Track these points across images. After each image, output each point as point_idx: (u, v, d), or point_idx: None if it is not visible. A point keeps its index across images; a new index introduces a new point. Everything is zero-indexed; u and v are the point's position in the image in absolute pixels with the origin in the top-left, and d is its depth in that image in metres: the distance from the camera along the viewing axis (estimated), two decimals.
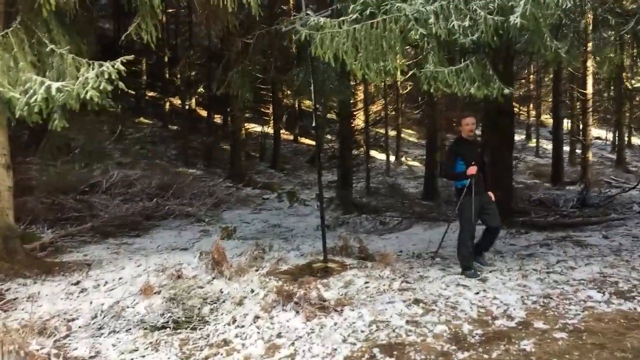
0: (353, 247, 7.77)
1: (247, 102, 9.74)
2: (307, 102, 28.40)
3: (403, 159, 22.78)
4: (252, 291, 6.09)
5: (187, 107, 21.96)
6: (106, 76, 4.49)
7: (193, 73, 22.94)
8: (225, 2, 5.99)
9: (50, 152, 11.00)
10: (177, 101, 22.09)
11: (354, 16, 5.87)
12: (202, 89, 23.53)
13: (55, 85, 4.23)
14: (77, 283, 6.82)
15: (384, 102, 21.00)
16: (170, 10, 20.02)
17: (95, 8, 12.00)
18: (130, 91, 23.62)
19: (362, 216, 11.98)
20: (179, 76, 21.47)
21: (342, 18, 5.87)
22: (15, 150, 12.53)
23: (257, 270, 6.74)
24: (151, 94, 24.17)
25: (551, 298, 5.40)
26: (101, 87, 4.44)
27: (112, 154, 17.31)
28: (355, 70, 5.58)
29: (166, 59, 22.01)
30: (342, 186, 13.23)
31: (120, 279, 6.92)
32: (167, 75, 22.45)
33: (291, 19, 6.03)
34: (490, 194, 6.58)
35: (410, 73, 19.55)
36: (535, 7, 5.38)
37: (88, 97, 4.43)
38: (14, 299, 6.34)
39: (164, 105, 21.86)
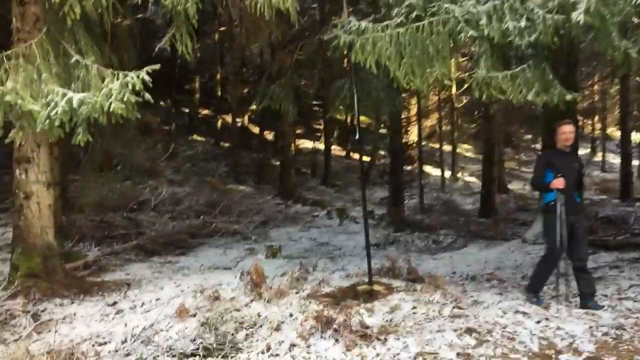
0: (401, 267, 7.26)
1: (292, 117, 9.39)
2: (362, 118, 28.04)
3: (459, 174, 22.01)
4: (291, 315, 5.69)
5: (239, 124, 21.97)
6: (130, 87, 4.23)
7: (245, 90, 22.95)
8: (263, 11, 5.67)
9: (92, 169, 10.96)
10: (230, 118, 22.13)
11: (399, 20, 5.45)
12: (254, 106, 23.46)
13: (77, 97, 4.00)
14: (114, 304, 6.61)
15: (438, 116, 20.36)
16: (222, 29, 20.12)
17: (135, 21, 11.86)
18: (184, 109, 23.99)
19: (414, 234, 11.43)
20: (231, 94, 21.53)
21: (385, 22, 5.46)
22: (68, 168, 12.73)
23: (297, 293, 6.34)
24: (205, 111, 24.37)
25: (624, 329, 4.76)
26: (125, 99, 4.16)
27: (164, 172, 17.36)
28: (399, 78, 5.15)
29: (218, 77, 22.13)
30: (393, 203, 12.71)
31: (157, 299, 6.67)
32: (219, 93, 22.55)
33: (333, 26, 5.63)
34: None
35: (466, 86, 18.85)
36: (600, 2, 4.82)
37: (112, 109, 4.16)
38: (49, 320, 6.17)
39: (216, 122, 21.94)
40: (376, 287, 6.33)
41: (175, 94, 22.68)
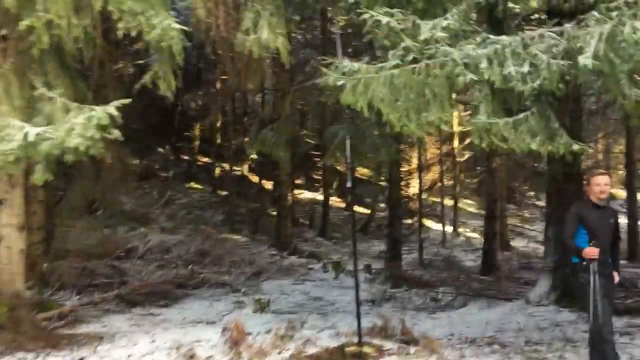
0: (395, 327, 6.73)
1: (286, 164, 8.99)
2: (363, 170, 27.77)
3: (460, 229, 21.50)
4: None
5: (238, 172, 21.67)
6: (95, 122, 3.87)
7: (245, 139, 22.69)
8: (254, 51, 5.38)
9: (72, 212, 10.55)
10: (228, 167, 21.84)
11: (394, 62, 5.13)
12: (254, 155, 23.25)
13: (34, 131, 3.64)
14: None
15: (439, 169, 20.04)
16: (224, 77, 20.06)
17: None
18: (183, 156, 23.73)
19: (412, 291, 10.88)
20: (232, 142, 21.30)
21: (379, 65, 5.15)
22: (53, 212, 12.32)
23: (280, 353, 5.82)
24: (204, 159, 24.11)
25: None
26: (89, 134, 3.79)
27: (158, 219, 16.94)
28: (393, 122, 4.78)
29: (219, 124, 21.95)
30: (391, 257, 12.20)
31: (129, 356, 6.15)
32: (219, 141, 22.33)
33: (324, 66, 5.31)
34: (616, 275, 5.04)
35: (468, 141, 18.62)
36: (609, 47, 4.51)
37: (72, 145, 3.78)
38: None
39: (214, 170, 21.63)
40: (366, 349, 5.82)
41: (174, 140, 22.46)
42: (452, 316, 8.46)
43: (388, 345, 6.04)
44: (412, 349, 5.87)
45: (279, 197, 16.37)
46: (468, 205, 24.97)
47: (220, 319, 8.53)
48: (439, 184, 19.83)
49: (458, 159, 20.71)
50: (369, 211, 21.58)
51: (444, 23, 5.29)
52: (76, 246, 11.76)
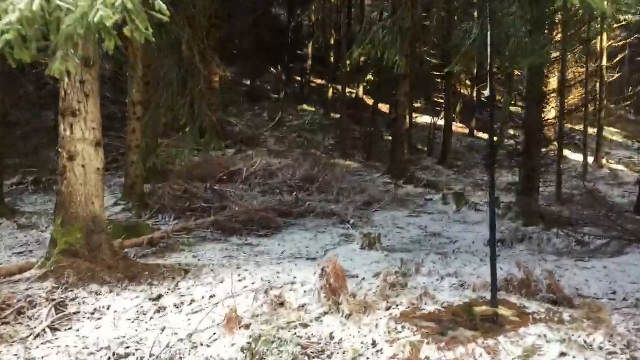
0: (539, 281, 5.20)
1: (401, 69, 7.46)
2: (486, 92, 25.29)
3: (604, 161, 18.83)
4: (374, 345, 3.99)
5: (352, 95, 20.30)
6: None
7: (361, 59, 21.07)
8: None
9: (153, 128, 9.77)
10: (343, 88, 20.51)
11: None
12: (370, 76, 21.71)
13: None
14: (158, 298, 5.22)
15: (583, 91, 17.35)
16: None
17: None
18: (295, 77, 22.69)
19: (549, 231, 9.15)
20: (347, 62, 19.80)
21: None
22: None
23: (388, 309, 4.56)
24: (317, 80, 22.95)
25: None
26: (118, 2, 2.60)
27: (266, 141, 16.14)
28: None
29: (332, 42, 20.51)
30: (524, 190, 10.41)
31: (211, 297, 5.21)
32: (332, 60, 20.97)
33: None
34: None
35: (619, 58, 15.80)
36: None
37: (97, 19, 2.61)
38: (75, 314, 4.90)
39: (327, 92, 20.43)
40: (502, 311, 4.41)
41: (287, 60, 21.38)
42: (608, 266, 6.73)
43: (532, 307, 4.57)
44: (566, 314, 4.37)
45: (395, 120, 14.84)
46: (612, 133, 21.96)
47: (323, 255, 7.48)
48: (582, 108, 17.21)
49: (606, 79, 17.81)
50: (496, 138, 19.46)
51: None
52: (177, 167, 11.16)
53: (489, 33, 4.28)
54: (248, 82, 20.84)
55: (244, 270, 6.14)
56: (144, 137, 9.99)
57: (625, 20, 19.03)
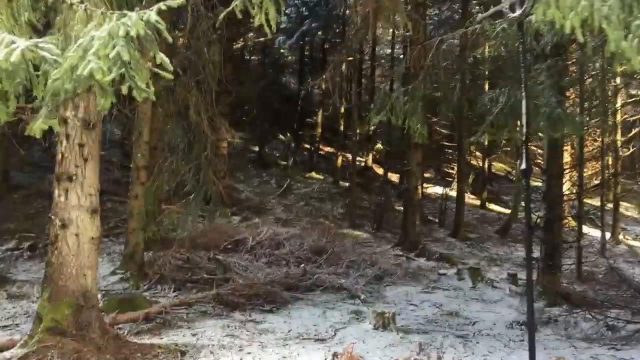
0: None
1: (421, 138, 7.10)
2: (498, 165, 25.03)
3: (620, 236, 18.23)
4: None
5: (361, 163, 20.03)
6: (122, 31, 2.28)
7: (371, 127, 21.05)
8: None
9: (154, 193, 9.35)
10: (351, 156, 20.27)
11: None
12: (380, 145, 21.56)
13: (21, 45, 2.13)
14: None
15: (598, 165, 16.98)
16: (350, 58, 18.42)
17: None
18: (304, 144, 22.53)
19: (576, 313, 8.51)
20: (356, 130, 19.62)
21: None
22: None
23: None
24: (326, 148, 22.77)
25: None
26: (112, 54, 2.21)
27: (273, 209, 15.70)
28: (629, 53, 2.75)
29: (342, 110, 20.42)
30: (546, 268, 9.83)
31: None
32: (342, 129, 20.83)
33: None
34: None
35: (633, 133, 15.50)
36: None
37: (86, 72, 2.22)
38: None
39: (336, 160, 20.18)
40: None
41: (296, 127, 21.27)
42: None
43: None
44: None
45: (407, 189, 14.42)
46: (627, 209, 21.45)
47: (333, 335, 6.88)
48: (597, 182, 16.80)
49: (621, 154, 17.48)
50: (508, 211, 18.98)
51: None
52: (180, 234, 10.68)
53: (524, 102, 3.91)
54: (256, 149, 20.65)
55: (246, 354, 5.57)
56: (146, 203, 9.57)
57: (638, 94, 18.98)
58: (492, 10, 4.01)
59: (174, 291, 8.70)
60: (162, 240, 10.43)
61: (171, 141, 8.99)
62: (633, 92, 18.64)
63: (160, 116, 9.53)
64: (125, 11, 2.41)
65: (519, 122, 4.38)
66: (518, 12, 3.86)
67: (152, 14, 2.43)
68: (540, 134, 7.67)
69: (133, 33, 2.33)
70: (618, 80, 16.55)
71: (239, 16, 3.73)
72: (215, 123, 9.61)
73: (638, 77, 18.48)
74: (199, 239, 10.74)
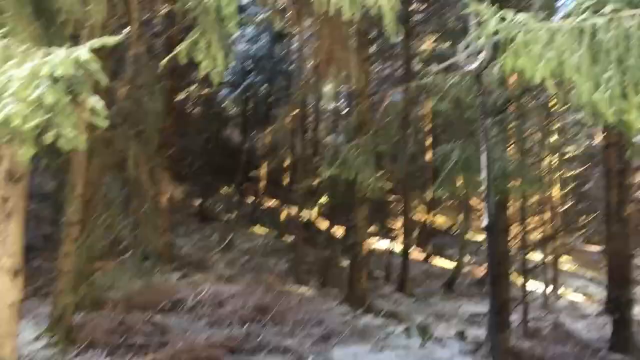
0: None
1: (375, 192, 6.90)
2: (441, 219, 25.27)
3: (561, 290, 18.50)
4: None
5: (306, 217, 19.72)
6: (46, 71, 1.95)
7: (316, 181, 20.87)
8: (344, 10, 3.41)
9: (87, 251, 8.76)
10: (296, 210, 19.97)
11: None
12: (325, 198, 21.35)
13: None
14: None
15: (541, 219, 17.31)
16: (295, 112, 18.38)
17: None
18: (247, 198, 22.09)
19: None
20: (301, 183, 19.41)
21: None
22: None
23: None
24: (270, 202, 22.41)
25: None
26: (33, 95, 1.87)
27: (215, 265, 15.12)
28: (599, 104, 2.62)
29: (287, 164, 20.24)
30: (495, 325, 9.67)
31: None
32: (286, 182, 20.60)
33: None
34: None
35: (569, 188, 15.87)
36: None
37: (2, 116, 1.86)
38: None
39: (280, 214, 19.83)
40: None
41: (239, 180, 20.88)
42: None
43: None
44: None
45: (353, 244, 14.16)
46: (566, 263, 21.92)
47: None
48: (539, 238, 17.08)
49: (559, 208, 17.93)
50: (453, 264, 18.97)
51: None
52: (115, 294, 10.00)
53: (483, 156, 3.75)
54: (198, 202, 20.08)
55: None
56: (78, 261, 8.90)
57: (573, 151, 19.74)
58: (447, 62, 3.87)
59: (105, 357, 8.01)
60: (94, 301, 9.69)
61: (107, 195, 8.44)
62: (570, 148, 19.42)
63: (96, 168, 8.99)
64: (53, 48, 2.09)
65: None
66: (475, 64, 3.73)
67: (82, 52, 2.12)
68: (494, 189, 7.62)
69: (60, 73, 2.00)
70: (555, 136, 17.14)
71: (184, 62, 3.40)
72: (156, 176, 9.15)
73: (571, 135, 19.28)
74: (135, 299, 10.06)
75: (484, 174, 3.73)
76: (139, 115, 8.45)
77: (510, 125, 9.19)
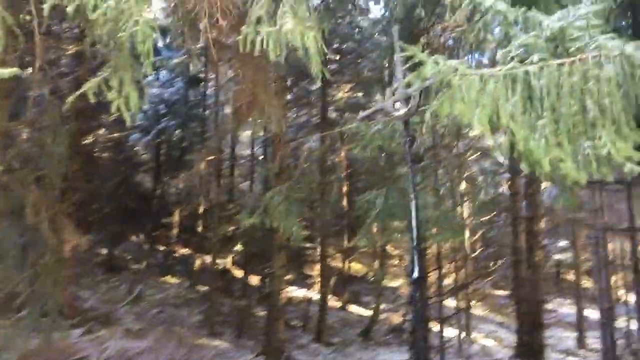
0: None
1: (299, 240, 6.67)
2: (357, 266, 25.29)
3: (474, 335, 18.79)
4: None
5: (220, 266, 19.10)
6: None
7: (230, 228, 20.46)
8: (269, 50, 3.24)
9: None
10: (210, 259, 19.31)
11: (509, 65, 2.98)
12: (240, 245, 20.85)
13: None
14: None
15: (453, 267, 17.61)
16: (210, 157, 17.95)
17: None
18: (159, 246, 21.17)
19: None
20: (216, 230, 18.86)
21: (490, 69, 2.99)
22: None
23: None
24: (182, 250, 21.58)
25: None
26: None
27: (123, 319, 14.18)
28: (536, 152, 2.56)
29: (201, 211, 19.65)
30: None
31: None
32: (200, 229, 19.96)
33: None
34: None
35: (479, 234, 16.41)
36: None
37: None
38: None
39: (194, 263, 19.10)
40: None
41: (151, 228, 20.02)
42: None
43: None
44: None
45: (270, 293, 13.76)
46: (477, 307, 22.38)
47: None
48: (453, 285, 17.35)
49: (468, 253, 18.36)
50: (369, 312, 18.89)
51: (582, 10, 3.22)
52: (9, 356, 9.04)
53: (413, 204, 3.63)
54: (106, 251, 18.97)
55: None
56: None
57: (482, 199, 20.39)
58: (374, 108, 3.78)
59: None
60: None
61: (2, 245, 7.67)
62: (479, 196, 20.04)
63: None
64: None
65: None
66: (403, 110, 3.64)
67: None
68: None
69: None
70: (463, 185, 17.66)
71: (93, 101, 3.08)
72: (58, 223, 8.47)
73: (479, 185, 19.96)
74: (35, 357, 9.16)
75: (413, 222, 3.61)
76: (41, 159, 7.83)
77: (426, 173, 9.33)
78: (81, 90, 3.14)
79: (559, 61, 2.79)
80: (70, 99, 3.41)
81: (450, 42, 4.23)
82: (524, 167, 2.75)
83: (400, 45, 3.05)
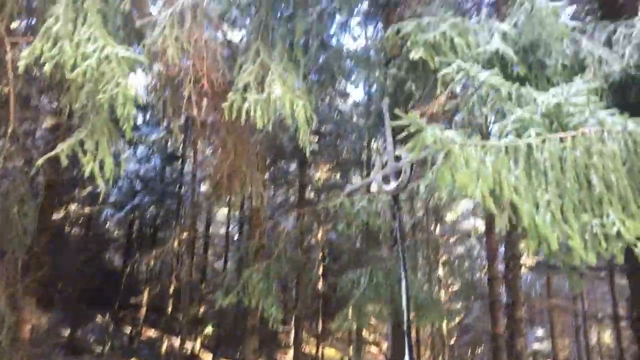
0: None
1: (277, 323, 6.30)
2: (331, 351, 24.44)
3: None
4: None
5: (188, 349, 18.27)
6: None
7: (201, 309, 19.83)
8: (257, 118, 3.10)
9: None
10: (178, 342, 18.47)
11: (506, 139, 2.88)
12: (211, 327, 20.09)
13: None
14: None
15: (430, 354, 17.09)
16: (184, 235, 17.53)
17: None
18: (125, 327, 20.25)
19: None
20: (186, 311, 18.15)
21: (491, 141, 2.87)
22: None
23: None
24: (150, 331, 20.65)
25: None
26: None
27: None
28: (541, 227, 2.39)
29: (171, 290, 18.96)
30: None
31: None
32: (169, 309, 19.20)
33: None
34: None
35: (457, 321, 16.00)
36: None
37: None
38: None
39: (161, 345, 18.21)
40: None
41: (118, 307, 19.21)
42: None
43: None
44: None
45: None
46: None
47: None
48: None
49: (449, 341, 17.89)
50: None
51: (576, 88, 3.16)
52: None
53: (403, 284, 3.39)
54: (67, 332, 18.02)
55: None
56: None
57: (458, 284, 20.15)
58: (362, 182, 3.61)
59: None
60: None
61: None
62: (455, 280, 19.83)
63: None
64: None
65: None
66: (393, 184, 3.48)
67: None
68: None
69: None
70: (441, 270, 17.49)
71: (65, 163, 2.85)
72: (17, 301, 7.96)
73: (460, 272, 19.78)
74: None
75: (404, 304, 3.36)
76: (4, 232, 7.45)
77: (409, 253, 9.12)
78: (55, 152, 2.91)
79: (560, 135, 2.70)
80: (40, 161, 3.17)
81: (442, 116, 4.20)
82: (529, 244, 2.57)
83: (395, 113, 2.93)
